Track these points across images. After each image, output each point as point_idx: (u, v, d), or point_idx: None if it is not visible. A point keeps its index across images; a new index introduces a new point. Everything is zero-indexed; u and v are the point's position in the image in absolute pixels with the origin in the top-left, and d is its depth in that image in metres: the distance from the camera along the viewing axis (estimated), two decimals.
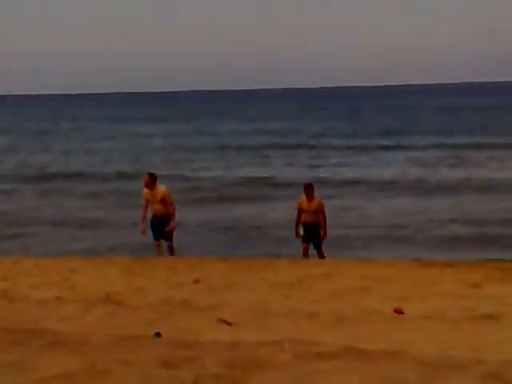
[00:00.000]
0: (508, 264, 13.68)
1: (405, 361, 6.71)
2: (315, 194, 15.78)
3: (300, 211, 15.74)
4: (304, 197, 15.74)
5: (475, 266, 13.36)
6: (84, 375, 6.37)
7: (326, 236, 15.78)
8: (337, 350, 6.99)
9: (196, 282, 12.40)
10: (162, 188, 16.11)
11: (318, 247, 15.87)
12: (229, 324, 9.34)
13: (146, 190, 16.13)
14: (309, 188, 15.72)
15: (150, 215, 16.20)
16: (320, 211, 15.71)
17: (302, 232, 15.78)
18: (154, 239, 16.21)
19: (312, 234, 15.78)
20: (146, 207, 16.16)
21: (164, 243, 16.20)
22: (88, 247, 18.97)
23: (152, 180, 16.05)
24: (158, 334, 8.36)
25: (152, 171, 16.78)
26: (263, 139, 54.93)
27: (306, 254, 15.79)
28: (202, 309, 10.45)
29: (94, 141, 58.52)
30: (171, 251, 16.26)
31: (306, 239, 15.81)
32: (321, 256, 15.85)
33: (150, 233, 16.11)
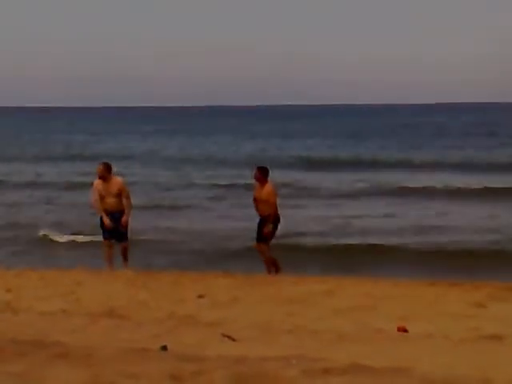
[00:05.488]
0: None
1: (411, 378, 6.74)
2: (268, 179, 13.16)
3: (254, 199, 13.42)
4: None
5: (480, 286, 13.35)
6: None
7: (269, 233, 13.02)
8: (343, 366, 7.01)
9: (200, 296, 12.40)
10: (118, 180, 14.21)
11: (259, 242, 13.13)
12: (233, 340, 9.35)
13: (98, 182, 14.13)
14: (256, 170, 13.30)
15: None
16: (270, 201, 13.03)
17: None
18: (104, 238, 14.37)
19: (259, 229, 13.18)
20: (100, 200, 14.09)
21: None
22: None
23: (107, 170, 14.10)
24: (164, 348, 8.36)
25: (106, 161, 14.67)
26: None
27: (262, 255, 13.53)
28: (208, 324, 10.42)
29: None
30: (125, 254, 14.48)
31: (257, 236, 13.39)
32: (267, 262, 13.45)
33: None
